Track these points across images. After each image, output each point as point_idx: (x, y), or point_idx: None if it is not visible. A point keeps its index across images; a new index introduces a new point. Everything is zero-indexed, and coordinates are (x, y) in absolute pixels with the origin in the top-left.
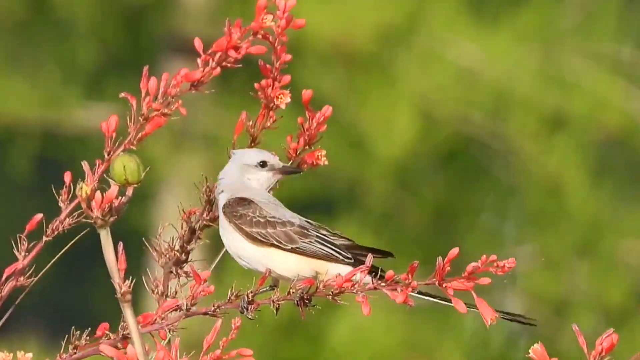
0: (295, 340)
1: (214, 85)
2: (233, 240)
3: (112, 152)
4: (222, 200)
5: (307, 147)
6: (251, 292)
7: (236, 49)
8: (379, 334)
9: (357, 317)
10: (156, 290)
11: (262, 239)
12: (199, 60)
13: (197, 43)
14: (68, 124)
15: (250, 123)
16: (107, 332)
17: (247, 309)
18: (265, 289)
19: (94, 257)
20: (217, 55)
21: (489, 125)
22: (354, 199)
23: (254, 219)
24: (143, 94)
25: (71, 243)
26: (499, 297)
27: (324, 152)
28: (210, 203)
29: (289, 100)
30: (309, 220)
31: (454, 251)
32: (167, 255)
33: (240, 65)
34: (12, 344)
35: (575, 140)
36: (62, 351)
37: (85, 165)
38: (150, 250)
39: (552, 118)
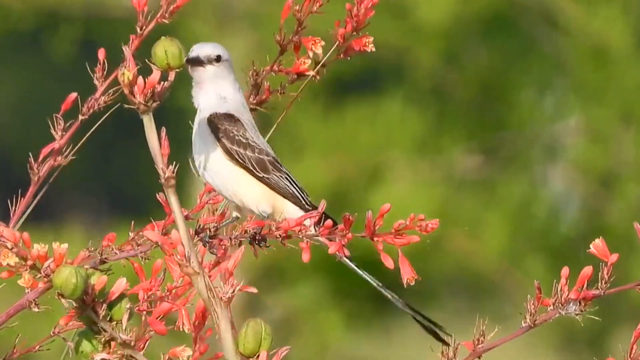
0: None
1: None
2: (208, 151)
3: (144, 27)
4: (207, 108)
5: (354, 33)
6: (214, 226)
7: None
8: (420, 209)
9: (398, 191)
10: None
11: (238, 159)
12: None
13: None
14: (111, 6)
15: (297, 7)
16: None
17: (209, 244)
18: (228, 222)
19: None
20: None
21: None
22: (398, 74)
23: (236, 137)
24: None
25: (102, 118)
26: (541, 171)
27: (371, 39)
28: (257, 87)
29: None
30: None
31: (386, 206)
32: None
33: None
34: (58, 229)
35: (619, 3)
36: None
37: (126, 49)
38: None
39: None
